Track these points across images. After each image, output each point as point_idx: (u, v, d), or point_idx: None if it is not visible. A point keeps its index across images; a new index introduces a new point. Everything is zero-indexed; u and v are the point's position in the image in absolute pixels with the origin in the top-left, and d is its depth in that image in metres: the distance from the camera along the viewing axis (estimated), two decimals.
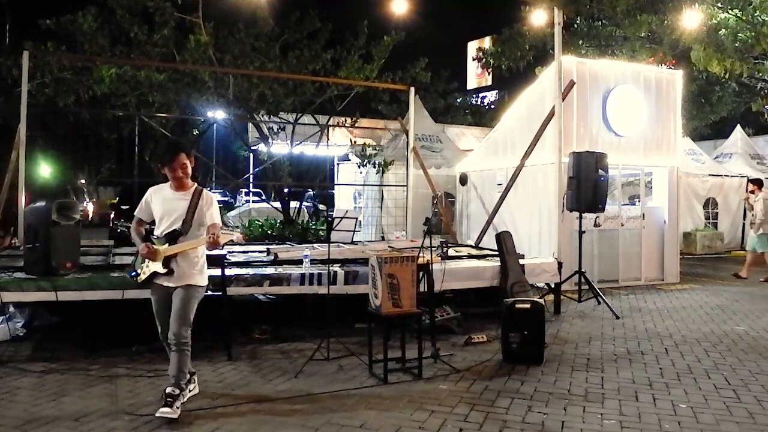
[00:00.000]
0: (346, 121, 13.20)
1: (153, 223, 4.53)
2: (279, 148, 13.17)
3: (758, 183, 11.19)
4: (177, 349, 4.21)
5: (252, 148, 16.07)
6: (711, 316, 7.72)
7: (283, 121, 12.66)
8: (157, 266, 4.33)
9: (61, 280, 5.51)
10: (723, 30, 14.72)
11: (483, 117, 26.20)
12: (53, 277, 5.49)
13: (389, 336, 5.13)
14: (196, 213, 4.38)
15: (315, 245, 8.16)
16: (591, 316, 7.64)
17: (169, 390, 4.12)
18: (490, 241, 8.91)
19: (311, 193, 19.97)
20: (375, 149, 12.96)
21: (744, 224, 15.78)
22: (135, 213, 4.55)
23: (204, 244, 4.34)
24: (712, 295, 9.26)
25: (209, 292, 5.61)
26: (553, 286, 7.95)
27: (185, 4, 11.00)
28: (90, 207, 24.98)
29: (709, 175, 15.45)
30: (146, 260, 4.37)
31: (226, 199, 34.52)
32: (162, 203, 4.43)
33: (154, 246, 4.33)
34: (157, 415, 4.00)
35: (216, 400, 4.46)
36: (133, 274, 4.42)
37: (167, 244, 4.33)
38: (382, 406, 4.35)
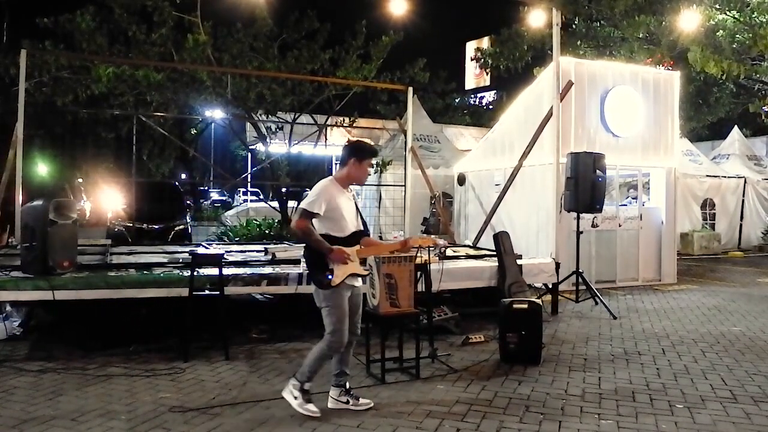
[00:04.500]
0: (344, 121, 13.20)
1: None
2: (277, 147, 13.17)
3: None
4: (355, 342, 4.37)
5: (250, 147, 16.08)
6: (708, 316, 7.73)
7: (281, 120, 12.66)
8: (357, 268, 4.21)
9: (58, 279, 5.49)
10: (721, 31, 14.77)
11: (481, 117, 26.20)
12: (50, 276, 5.48)
13: (387, 336, 5.14)
14: (359, 212, 4.38)
15: None
16: (588, 317, 7.65)
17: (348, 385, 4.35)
18: (487, 242, 8.92)
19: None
20: None
21: (741, 225, 15.83)
22: (311, 209, 4.09)
23: (400, 247, 4.45)
24: (709, 295, 9.27)
25: (206, 292, 5.63)
26: (550, 286, 7.96)
27: (184, 3, 10.99)
28: (87, 206, 24.96)
29: (707, 176, 15.48)
30: (336, 263, 4.12)
31: (224, 198, 34.58)
32: (344, 202, 4.24)
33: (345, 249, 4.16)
34: (364, 408, 4.25)
35: (213, 399, 4.45)
36: (330, 277, 4.11)
37: (358, 245, 4.26)
38: (379, 405, 4.35)
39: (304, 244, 4.26)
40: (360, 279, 4.35)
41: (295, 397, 4.17)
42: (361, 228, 4.36)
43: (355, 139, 4.83)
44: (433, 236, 5.21)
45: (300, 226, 4.10)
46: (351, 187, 4.42)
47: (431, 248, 5.36)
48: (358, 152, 4.32)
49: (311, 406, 4.16)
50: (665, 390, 4.83)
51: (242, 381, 4.91)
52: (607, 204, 8.86)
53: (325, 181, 4.29)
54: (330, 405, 4.31)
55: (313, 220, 4.15)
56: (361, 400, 4.32)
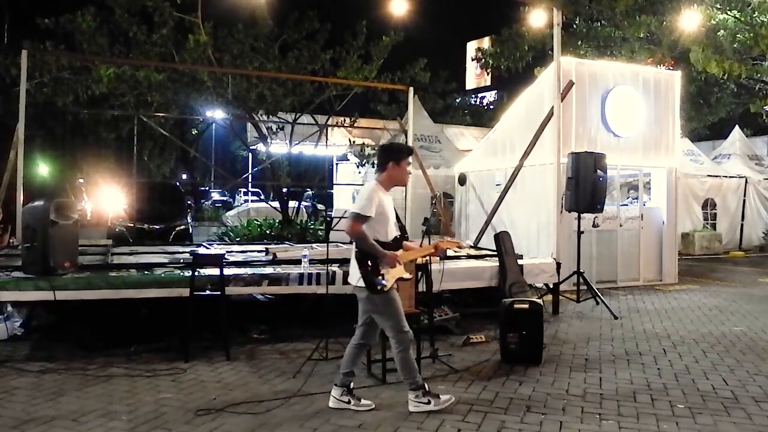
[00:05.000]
0: (345, 121, 13.20)
1: None
2: (278, 147, 13.18)
3: None
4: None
5: (251, 147, 16.08)
6: (709, 316, 7.72)
7: (282, 121, 12.67)
8: (403, 272, 4.28)
9: (59, 279, 5.49)
10: (722, 31, 14.75)
11: (482, 117, 26.21)
12: (51, 276, 5.48)
13: (387, 336, 5.13)
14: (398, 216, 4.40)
15: (314, 245, 8.16)
16: (589, 317, 7.64)
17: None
18: (488, 242, 8.92)
19: (310, 192, 19.97)
20: (374, 149, 12.96)
21: (742, 225, 15.81)
22: (365, 213, 4.11)
23: (434, 251, 4.50)
24: (711, 295, 9.26)
25: (207, 292, 5.64)
26: (551, 286, 7.95)
27: (184, 3, 10.99)
28: (88, 206, 24.97)
29: (708, 175, 15.47)
30: (387, 267, 4.16)
31: (225, 198, 34.60)
32: (389, 206, 4.27)
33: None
34: (366, 409, 4.24)
35: (214, 400, 4.45)
36: (384, 282, 4.14)
37: (401, 249, 4.28)
38: (380, 406, 4.35)
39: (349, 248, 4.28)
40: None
41: (428, 402, 4.21)
42: (400, 232, 4.38)
43: (387, 142, 4.83)
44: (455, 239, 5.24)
45: (356, 230, 4.12)
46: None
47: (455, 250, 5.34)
48: (394, 154, 4.36)
49: (443, 397, 4.28)
50: (666, 390, 4.82)
51: (243, 381, 4.91)
52: (607, 204, 8.85)
53: (373, 185, 4.29)
54: (331, 404, 4.31)
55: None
56: (363, 401, 4.31)
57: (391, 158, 4.33)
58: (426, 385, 4.28)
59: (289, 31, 12.22)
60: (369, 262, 4.14)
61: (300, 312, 6.82)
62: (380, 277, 4.12)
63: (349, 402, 4.27)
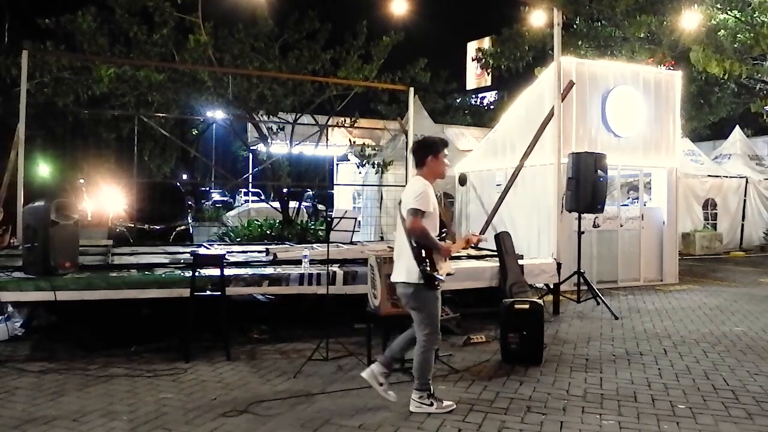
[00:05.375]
0: (345, 121, 13.20)
1: None
2: (278, 148, 13.17)
3: None
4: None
5: (251, 148, 16.08)
6: (710, 316, 7.72)
7: (282, 121, 12.66)
8: (450, 267, 4.30)
9: (59, 279, 5.50)
10: (722, 31, 14.76)
11: (482, 117, 26.18)
12: (52, 276, 5.48)
13: (388, 336, 5.13)
14: None
15: (314, 245, 8.16)
16: (590, 317, 7.64)
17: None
18: (489, 242, 8.90)
19: (310, 193, 19.96)
20: (374, 149, 12.95)
21: (743, 225, 15.81)
22: (425, 209, 4.14)
23: (464, 245, 4.53)
24: (711, 295, 9.26)
25: (208, 293, 5.64)
26: (552, 286, 7.96)
27: (184, 3, 10.98)
28: (89, 207, 24.93)
29: (708, 176, 15.46)
30: (440, 262, 4.17)
31: (225, 199, 34.58)
32: (435, 200, 4.29)
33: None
34: (391, 399, 4.31)
35: (214, 400, 4.45)
36: (441, 278, 4.17)
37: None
38: (381, 405, 4.35)
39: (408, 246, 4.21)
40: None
41: (431, 404, 4.23)
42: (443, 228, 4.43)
43: (420, 137, 4.77)
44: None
45: (418, 226, 4.11)
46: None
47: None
48: (431, 148, 4.39)
49: (446, 402, 4.28)
50: (667, 390, 4.82)
51: (243, 381, 4.91)
52: (608, 204, 8.85)
53: (422, 180, 4.31)
54: (364, 374, 4.38)
55: None
56: (391, 393, 4.35)
57: (429, 153, 4.35)
58: (432, 389, 4.30)
59: (289, 31, 12.22)
60: (426, 257, 4.12)
61: (300, 312, 6.82)
62: (437, 272, 4.14)
63: (381, 384, 4.32)
